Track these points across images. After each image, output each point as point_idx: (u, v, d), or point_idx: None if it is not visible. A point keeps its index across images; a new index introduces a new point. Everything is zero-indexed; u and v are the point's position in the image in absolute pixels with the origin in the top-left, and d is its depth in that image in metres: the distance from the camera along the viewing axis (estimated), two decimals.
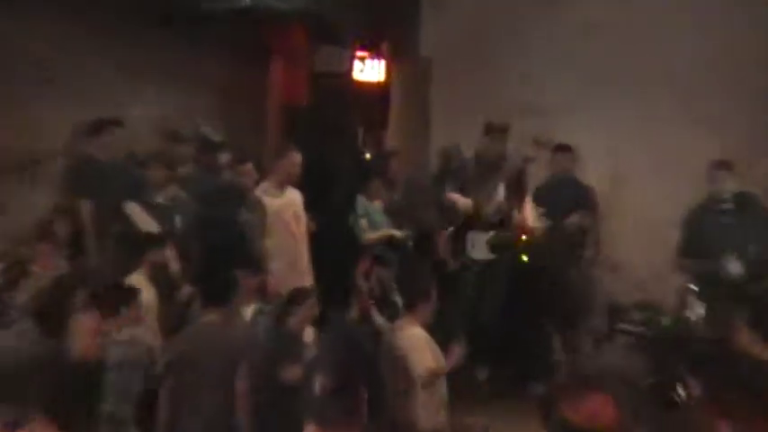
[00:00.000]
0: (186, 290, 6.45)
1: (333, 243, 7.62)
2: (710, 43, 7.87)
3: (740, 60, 7.82)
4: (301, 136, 8.08)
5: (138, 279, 6.12)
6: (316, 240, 7.38)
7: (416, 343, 5.78)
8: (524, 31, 8.56)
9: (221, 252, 6.68)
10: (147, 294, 5.99)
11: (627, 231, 8.24)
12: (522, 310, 7.49)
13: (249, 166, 7.32)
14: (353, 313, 6.64)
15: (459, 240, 7.61)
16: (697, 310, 6.52)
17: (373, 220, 7.84)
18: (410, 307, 5.98)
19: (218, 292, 5.44)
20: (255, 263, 6.61)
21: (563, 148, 7.99)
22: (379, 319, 6.68)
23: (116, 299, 5.29)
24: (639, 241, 8.14)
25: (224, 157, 7.57)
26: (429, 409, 5.71)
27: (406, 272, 7.15)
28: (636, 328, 6.46)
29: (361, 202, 7.89)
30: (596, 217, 7.98)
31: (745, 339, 4.51)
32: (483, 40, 8.66)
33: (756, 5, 7.81)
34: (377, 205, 7.95)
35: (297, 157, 7.13)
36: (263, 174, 7.31)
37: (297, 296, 6.10)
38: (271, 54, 9.17)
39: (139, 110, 7.75)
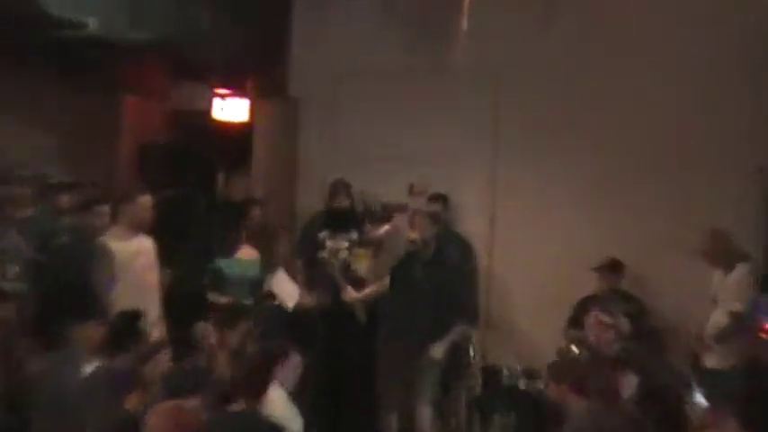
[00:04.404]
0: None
1: (184, 298, 7.08)
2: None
3: None
4: (156, 177, 7.64)
5: None
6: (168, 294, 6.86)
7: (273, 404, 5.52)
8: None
9: (58, 302, 6.18)
10: None
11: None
12: None
13: (105, 208, 6.74)
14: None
15: None
16: None
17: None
18: None
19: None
20: (99, 313, 6.02)
21: (438, 198, 7.76)
22: None
23: None
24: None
25: (67, 200, 6.96)
26: None
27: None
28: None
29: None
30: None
31: None
32: (355, 82, 8.24)
33: None
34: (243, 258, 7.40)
35: (147, 201, 6.62)
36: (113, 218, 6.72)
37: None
38: (124, 89, 8.65)
39: None
